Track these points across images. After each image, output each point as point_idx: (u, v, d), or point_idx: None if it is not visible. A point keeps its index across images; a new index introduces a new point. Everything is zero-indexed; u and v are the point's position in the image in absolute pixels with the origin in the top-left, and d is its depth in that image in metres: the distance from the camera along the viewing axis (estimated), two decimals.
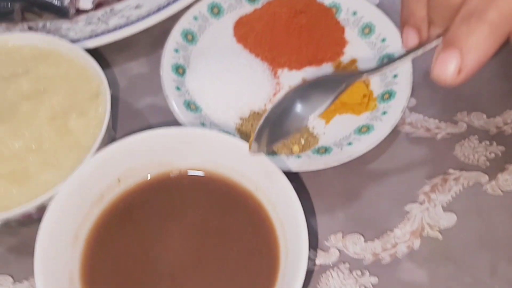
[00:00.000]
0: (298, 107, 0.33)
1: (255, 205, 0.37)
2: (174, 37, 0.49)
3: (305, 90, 0.34)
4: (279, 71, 0.49)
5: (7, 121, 0.39)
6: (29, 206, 0.35)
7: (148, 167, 0.38)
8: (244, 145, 0.36)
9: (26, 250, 0.42)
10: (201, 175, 0.39)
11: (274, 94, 0.48)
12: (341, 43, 0.50)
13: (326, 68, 0.49)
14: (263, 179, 0.36)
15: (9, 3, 0.52)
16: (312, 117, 0.33)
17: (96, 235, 0.36)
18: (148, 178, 0.38)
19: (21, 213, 0.35)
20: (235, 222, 0.37)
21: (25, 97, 0.40)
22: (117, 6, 0.53)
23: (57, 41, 0.42)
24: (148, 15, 0.50)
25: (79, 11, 0.53)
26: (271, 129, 0.34)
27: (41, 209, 0.35)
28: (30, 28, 0.52)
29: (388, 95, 0.45)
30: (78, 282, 0.34)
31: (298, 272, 0.31)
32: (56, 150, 0.38)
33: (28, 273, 0.42)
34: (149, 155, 0.38)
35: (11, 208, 0.35)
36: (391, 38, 0.48)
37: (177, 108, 0.45)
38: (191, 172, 0.39)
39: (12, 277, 0.42)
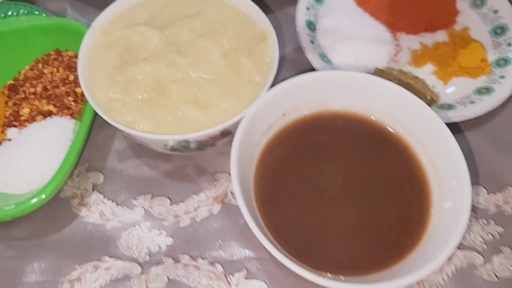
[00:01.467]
0: None
1: (403, 145, 0.43)
2: None
3: None
4: (397, 34, 0.55)
5: (187, 54, 0.44)
6: (216, 129, 0.40)
7: (308, 105, 0.44)
8: (399, 88, 0.41)
9: (179, 175, 0.49)
10: (352, 116, 0.44)
11: (395, 54, 0.53)
12: (453, 12, 0.56)
13: (440, 35, 0.55)
14: (413, 120, 0.42)
15: None
16: None
17: (263, 159, 0.42)
18: (307, 114, 0.44)
19: (207, 135, 0.40)
20: (385, 158, 0.42)
21: (200, 35, 0.45)
22: None
23: None
24: None
25: None
26: None
27: (224, 134, 0.41)
28: None
29: (503, 61, 0.51)
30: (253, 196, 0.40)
31: (463, 205, 0.36)
32: (231, 83, 0.43)
33: (183, 196, 0.48)
34: (310, 94, 0.43)
35: (195, 129, 0.41)
36: (504, 10, 0.54)
37: (313, 58, 0.50)
38: (343, 113, 0.44)
39: (169, 199, 0.48)
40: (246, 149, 0.40)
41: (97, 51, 0.45)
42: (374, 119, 0.44)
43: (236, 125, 0.40)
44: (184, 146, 0.42)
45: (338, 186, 0.41)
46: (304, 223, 0.39)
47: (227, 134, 0.43)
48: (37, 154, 0.47)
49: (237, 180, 0.37)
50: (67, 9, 0.62)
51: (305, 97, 0.43)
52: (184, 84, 0.43)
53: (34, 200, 0.42)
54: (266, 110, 0.41)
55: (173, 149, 0.43)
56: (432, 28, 0.54)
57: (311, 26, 0.53)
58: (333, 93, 0.43)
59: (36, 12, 0.53)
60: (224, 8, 0.48)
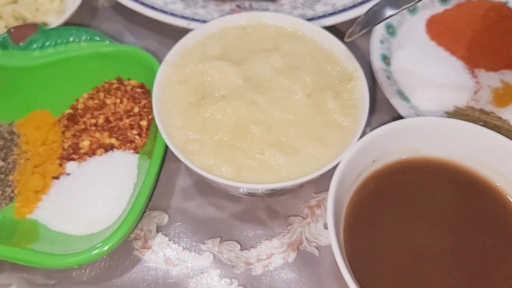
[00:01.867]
0: None
1: (502, 197, 0.40)
2: (379, 29, 0.52)
3: None
4: (476, 70, 0.52)
5: (267, 92, 0.41)
6: (308, 178, 0.37)
7: (398, 152, 0.41)
8: (506, 140, 0.39)
9: (249, 218, 0.46)
10: (444, 163, 0.41)
11: (475, 93, 0.51)
12: None
13: None
14: None
15: None
16: None
17: (353, 210, 0.39)
18: (396, 161, 0.41)
19: (297, 184, 0.37)
20: (482, 213, 0.39)
21: (280, 72, 0.43)
22: None
23: (303, 23, 0.45)
24: (354, 5, 0.52)
25: None
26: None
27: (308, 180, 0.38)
28: (238, 6, 0.55)
29: None
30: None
31: None
32: (317, 125, 0.40)
33: (254, 241, 0.45)
34: (401, 141, 0.40)
35: (281, 177, 0.38)
36: None
37: (391, 96, 0.47)
38: (435, 160, 0.41)
39: (239, 243, 0.45)
40: (338, 199, 0.37)
41: (171, 87, 0.43)
42: (468, 167, 0.41)
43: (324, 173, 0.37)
44: (266, 193, 0.39)
45: (433, 243, 0.38)
46: (399, 283, 0.36)
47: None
48: (99, 192, 0.44)
49: (334, 235, 0.34)
50: (122, 31, 0.60)
51: (396, 143, 0.40)
52: (266, 126, 0.40)
53: (105, 248, 0.39)
54: (358, 158, 0.39)
55: (251, 194, 0.40)
56: None
57: (385, 60, 0.50)
58: (423, 139, 0.41)
59: (98, 38, 0.51)
60: (304, 43, 0.45)
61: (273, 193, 0.40)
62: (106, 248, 0.39)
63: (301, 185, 0.40)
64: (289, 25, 0.46)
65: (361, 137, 0.39)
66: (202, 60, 0.44)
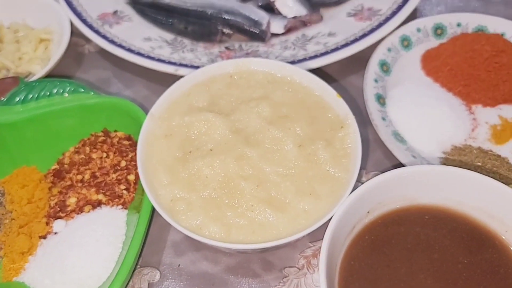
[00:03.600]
0: None
1: (502, 245, 0.39)
2: (373, 67, 0.52)
3: None
4: (473, 106, 0.52)
5: (257, 145, 0.42)
6: (300, 235, 0.37)
7: (393, 201, 0.41)
8: (503, 187, 0.38)
9: (244, 272, 0.45)
10: (441, 210, 0.41)
11: (472, 130, 0.50)
12: None
13: None
14: None
15: (215, 26, 0.55)
16: None
17: (347, 264, 0.39)
18: (391, 210, 0.41)
19: (290, 241, 0.37)
20: (482, 262, 0.39)
21: (269, 122, 0.43)
22: (308, 32, 0.56)
23: (292, 68, 0.45)
24: (346, 44, 0.52)
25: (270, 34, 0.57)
26: None
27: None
28: (227, 48, 0.55)
29: None
30: None
31: None
32: (308, 178, 0.40)
33: None
34: (396, 190, 0.40)
35: (272, 234, 0.38)
36: None
37: (387, 138, 0.47)
38: (432, 208, 0.41)
39: None
40: (332, 254, 0.37)
41: (156, 141, 0.43)
42: (467, 214, 0.41)
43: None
44: (258, 251, 0.39)
45: None
46: None
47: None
48: (87, 252, 0.44)
49: None
50: (110, 78, 0.60)
51: (391, 193, 0.40)
52: (256, 180, 0.40)
53: None
54: (352, 210, 0.38)
55: (242, 252, 0.40)
56: (511, 99, 0.52)
57: (380, 100, 0.51)
58: (420, 187, 0.40)
59: (82, 90, 0.51)
60: (293, 90, 0.45)
61: (265, 250, 0.39)
62: None
63: (295, 240, 0.39)
64: (278, 71, 0.47)
65: (355, 186, 0.39)
66: (188, 112, 0.44)
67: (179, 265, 0.46)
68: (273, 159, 0.41)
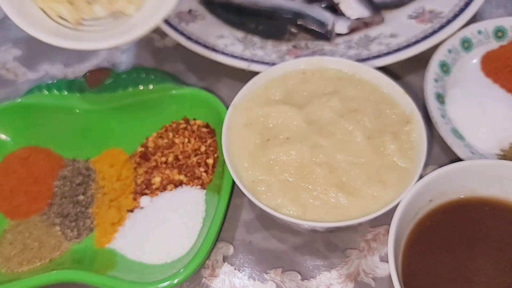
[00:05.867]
0: None
1: None
2: (433, 68, 0.56)
3: None
4: None
5: (329, 136, 0.47)
6: (370, 217, 0.42)
7: (455, 192, 0.45)
8: None
9: (309, 250, 0.51)
10: (501, 202, 0.45)
11: None
12: None
13: None
14: None
15: (284, 26, 0.61)
16: None
17: (410, 248, 0.44)
18: (453, 200, 0.45)
19: (360, 222, 0.42)
20: None
21: (341, 115, 0.48)
22: (370, 33, 0.61)
23: (361, 66, 0.51)
24: (408, 45, 0.57)
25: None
26: None
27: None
28: (294, 47, 0.61)
29: None
30: None
31: None
32: (376, 167, 0.45)
33: (314, 272, 0.50)
34: (458, 182, 0.45)
35: (343, 216, 0.43)
36: None
37: (446, 135, 0.52)
38: (492, 200, 0.45)
39: (300, 274, 0.50)
40: (397, 236, 0.42)
41: (238, 129, 0.49)
42: None
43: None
44: (328, 230, 0.44)
45: (491, 281, 0.42)
46: None
47: None
48: (171, 224, 0.51)
49: (395, 273, 0.39)
50: (184, 72, 0.67)
51: (453, 184, 0.45)
52: (329, 167, 0.45)
53: (185, 275, 0.45)
54: (416, 198, 0.43)
55: (314, 231, 0.45)
56: None
57: (440, 98, 0.55)
58: (481, 180, 0.45)
59: (165, 80, 0.58)
60: (362, 86, 0.51)
61: (335, 230, 0.45)
62: (185, 275, 0.45)
63: (363, 223, 0.45)
64: (347, 69, 0.52)
65: (419, 177, 0.44)
66: (266, 104, 0.50)
67: (250, 241, 0.52)
68: (344, 148, 0.46)
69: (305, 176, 0.45)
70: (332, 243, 0.52)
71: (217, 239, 0.51)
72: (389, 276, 0.48)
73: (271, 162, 0.47)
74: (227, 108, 0.52)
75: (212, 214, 0.49)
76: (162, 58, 0.70)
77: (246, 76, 0.54)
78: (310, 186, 0.45)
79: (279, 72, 0.53)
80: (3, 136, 0.59)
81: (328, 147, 0.46)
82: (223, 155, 0.53)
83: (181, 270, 0.45)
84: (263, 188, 0.45)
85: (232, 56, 0.60)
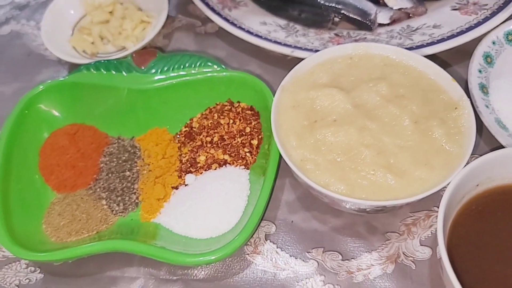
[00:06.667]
0: None
1: None
2: (477, 59, 0.58)
3: None
4: None
5: (376, 119, 0.49)
6: (417, 198, 0.43)
7: (501, 177, 0.46)
8: None
9: (350, 232, 0.53)
10: None
11: None
12: None
13: None
14: None
15: (327, 14, 0.62)
16: None
17: (455, 230, 0.45)
18: (499, 185, 0.47)
19: (406, 203, 0.44)
20: None
21: (388, 100, 0.50)
22: (412, 23, 0.62)
23: (408, 53, 0.52)
24: (453, 35, 0.58)
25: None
26: None
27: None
28: (336, 35, 0.62)
29: None
30: None
31: None
32: (423, 150, 0.47)
33: (355, 253, 0.52)
34: (504, 167, 0.46)
35: (391, 196, 0.44)
36: None
37: (490, 124, 0.53)
38: None
39: (341, 254, 0.52)
40: (444, 218, 0.43)
41: (285, 110, 0.51)
42: None
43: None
44: (375, 210, 0.46)
45: None
46: None
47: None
48: (216, 201, 0.53)
49: (445, 252, 0.40)
50: (226, 57, 0.69)
51: (500, 169, 0.46)
52: (376, 149, 0.47)
53: (231, 249, 0.47)
54: (464, 182, 0.44)
55: (361, 210, 0.47)
56: None
57: (483, 89, 0.56)
58: None
59: (210, 64, 0.60)
60: (409, 73, 0.52)
61: (380, 211, 0.46)
62: (231, 249, 0.47)
63: (401, 205, 0.46)
64: (394, 55, 0.53)
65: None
66: (313, 87, 0.52)
67: (292, 221, 0.54)
68: (391, 132, 0.48)
69: (353, 157, 0.47)
70: (372, 226, 0.53)
71: (262, 217, 0.52)
72: (430, 260, 0.50)
73: (318, 142, 0.48)
74: (273, 93, 0.53)
75: (257, 193, 0.51)
76: (204, 44, 0.72)
77: (287, 63, 0.55)
78: (358, 167, 0.46)
79: (326, 57, 0.54)
80: (54, 112, 0.61)
81: (375, 130, 0.48)
82: (267, 137, 0.55)
83: (228, 243, 0.47)
84: (312, 167, 0.47)
85: (275, 42, 0.62)
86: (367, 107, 0.50)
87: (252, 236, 0.52)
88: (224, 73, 0.60)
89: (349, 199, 0.44)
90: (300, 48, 0.61)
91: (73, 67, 0.70)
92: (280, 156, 0.52)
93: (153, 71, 0.61)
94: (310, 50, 0.60)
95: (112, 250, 0.50)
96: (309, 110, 0.51)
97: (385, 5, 0.65)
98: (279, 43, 0.62)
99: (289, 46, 0.61)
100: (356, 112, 0.49)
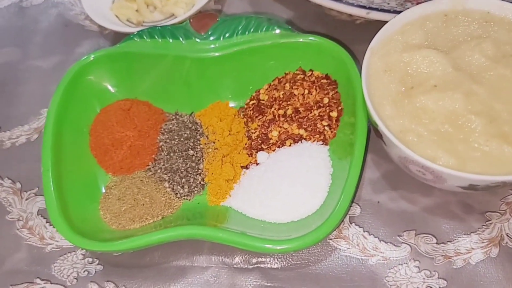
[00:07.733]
0: None
1: None
2: None
3: None
4: None
5: (484, 83, 0.43)
6: None
7: None
8: None
9: (443, 212, 0.48)
10: None
11: None
12: None
13: None
14: None
15: None
16: None
17: None
18: None
19: None
20: None
21: (495, 61, 0.44)
22: None
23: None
24: None
25: None
26: None
27: None
28: None
29: None
30: None
31: None
32: None
33: (451, 235, 0.47)
34: None
35: (510, 169, 0.39)
36: None
37: None
38: None
39: (435, 237, 0.47)
40: None
41: (377, 76, 0.46)
42: None
43: None
44: (491, 186, 0.41)
45: None
46: None
47: None
48: (295, 181, 0.48)
49: None
50: (289, 20, 0.63)
51: None
52: (488, 117, 0.42)
53: (322, 234, 0.42)
54: None
55: (469, 187, 0.42)
56: None
57: None
58: None
59: (277, 27, 0.54)
60: None
61: (495, 187, 0.41)
62: (322, 235, 0.42)
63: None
64: (497, 10, 0.47)
65: None
66: (406, 49, 0.46)
67: (378, 202, 0.49)
68: (503, 97, 0.42)
69: (461, 126, 0.42)
70: (468, 205, 0.49)
71: (353, 199, 0.48)
72: None
73: (418, 111, 0.43)
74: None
75: (341, 171, 0.46)
76: (260, 8, 0.66)
77: (355, 28, 0.50)
78: (467, 137, 0.41)
79: (416, 15, 0.48)
80: (105, 85, 0.56)
81: (484, 95, 0.42)
82: (347, 108, 0.50)
83: (321, 225, 0.42)
84: (413, 138, 0.42)
85: (347, 3, 0.56)
86: (471, 69, 0.44)
87: (343, 219, 0.48)
88: (301, 39, 0.53)
89: (463, 174, 0.39)
90: (375, 9, 0.55)
91: (117, 38, 0.65)
92: (369, 130, 0.47)
93: (215, 37, 0.55)
94: (387, 11, 0.54)
95: (188, 237, 0.45)
96: (404, 74, 0.45)
97: None
98: (352, 4, 0.56)
99: (363, 7, 0.56)
100: (459, 75, 0.44)
